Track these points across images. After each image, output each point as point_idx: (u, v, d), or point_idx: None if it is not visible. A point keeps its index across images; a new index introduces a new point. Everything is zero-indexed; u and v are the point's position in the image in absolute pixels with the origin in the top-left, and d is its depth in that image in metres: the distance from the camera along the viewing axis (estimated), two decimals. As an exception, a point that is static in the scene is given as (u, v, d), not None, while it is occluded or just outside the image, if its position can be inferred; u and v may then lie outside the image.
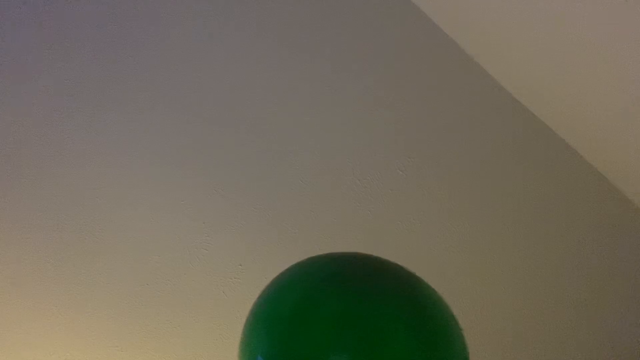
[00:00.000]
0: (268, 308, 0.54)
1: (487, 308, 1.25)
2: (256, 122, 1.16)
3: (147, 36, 1.12)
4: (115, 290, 1.15)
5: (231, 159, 1.16)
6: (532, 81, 1.14)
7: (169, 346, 1.18)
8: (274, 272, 0.61)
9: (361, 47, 1.17)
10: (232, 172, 1.16)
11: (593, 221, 1.25)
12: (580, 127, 1.17)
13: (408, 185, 1.20)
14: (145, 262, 1.15)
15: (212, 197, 1.16)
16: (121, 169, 1.13)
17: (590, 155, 1.22)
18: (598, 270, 1.27)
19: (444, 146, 1.21)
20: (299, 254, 0.64)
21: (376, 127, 1.19)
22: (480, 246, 1.24)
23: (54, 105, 1.10)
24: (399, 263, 0.59)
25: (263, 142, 1.17)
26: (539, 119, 1.22)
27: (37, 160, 1.10)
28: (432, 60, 1.19)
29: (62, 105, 1.10)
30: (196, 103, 1.14)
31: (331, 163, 1.18)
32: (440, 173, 1.21)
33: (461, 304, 1.22)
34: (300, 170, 1.18)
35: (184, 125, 1.14)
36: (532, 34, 0.98)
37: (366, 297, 0.51)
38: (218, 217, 1.16)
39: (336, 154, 1.18)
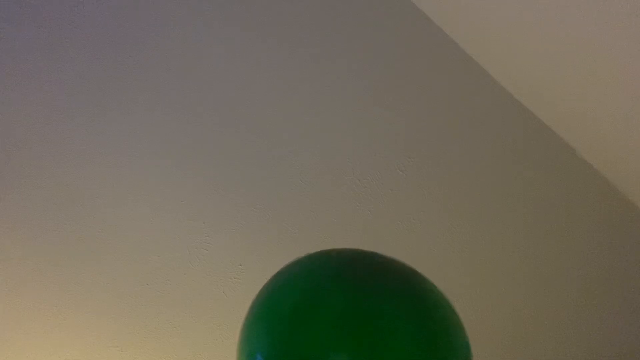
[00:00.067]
0: (268, 305, 0.53)
1: (487, 308, 1.25)
2: (256, 122, 1.16)
3: (147, 36, 1.12)
4: (115, 290, 1.15)
5: (231, 159, 1.16)
6: (532, 81, 1.14)
7: (169, 346, 1.18)
8: (274, 272, 0.61)
9: (361, 47, 1.17)
10: (232, 172, 1.16)
11: (593, 221, 1.25)
12: (580, 127, 1.17)
13: (408, 185, 1.20)
14: (145, 262, 1.15)
15: (212, 197, 1.16)
16: (121, 169, 1.13)
17: (590, 155, 1.22)
18: (598, 270, 1.27)
19: (444, 146, 1.21)
20: (299, 254, 0.63)
21: (376, 127, 1.19)
22: (480, 246, 1.24)
23: (54, 105, 1.10)
24: (400, 262, 0.58)
25: (263, 142, 1.17)
26: (539, 119, 1.22)
27: (37, 160, 1.10)
28: (432, 60, 1.19)
29: (62, 105, 1.10)
30: (196, 103, 1.14)
31: (331, 163, 1.18)
32: (440, 173, 1.21)
33: (461, 304, 1.22)
34: (300, 170, 1.18)
35: (184, 126, 1.14)
36: (532, 34, 0.98)
37: (369, 295, 0.50)
38: (218, 217, 1.16)
39: (336, 154, 1.18)
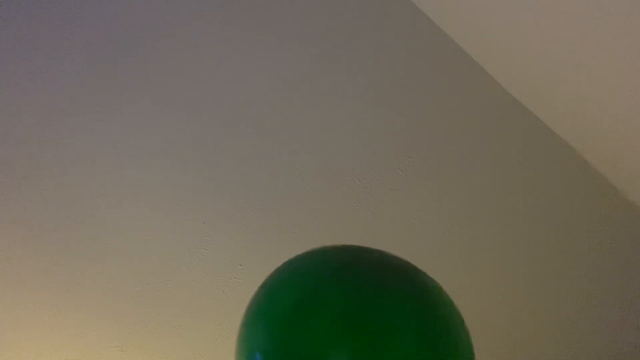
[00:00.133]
0: (267, 303, 0.52)
1: (487, 308, 1.25)
2: (256, 123, 1.16)
3: (148, 36, 1.12)
4: (115, 290, 1.15)
5: (231, 159, 1.16)
6: (532, 81, 1.14)
7: (169, 346, 1.18)
8: (274, 272, 0.61)
9: (361, 47, 1.17)
10: (232, 172, 1.16)
11: (593, 221, 1.25)
12: (580, 127, 1.17)
13: (408, 185, 1.20)
14: (145, 262, 1.15)
15: (212, 197, 1.16)
16: (121, 169, 1.13)
17: (590, 155, 1.22)
18: (598, 270, 1.27)
19: (443, 146, 1.21)
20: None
21: (376, 127, 1.19)
22: (480, 246, 1.24)
23: (54, 105, 1.10)
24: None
25: (263, 143, 1.17)
26: (539, 119, 1.22)
27: (38, 160, 1.10)
28: (432, 61, 1.19)
29: (62, 105, 1.10)
30: (196, 103, 1.14)
31: (331, 163, 1.18)
32: (440, 173, 1.21)
33: (461, 304, 1.22)
34: (300, 170, 1.18)
35: (184, 126, 1.14)
36: (532, 34, 0.98)
37: (370, 293, 0.49)
38: (218, 217, 1.16)
39: (336, 154, 1.18)
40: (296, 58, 1.16)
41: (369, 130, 1.19)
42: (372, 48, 1.18)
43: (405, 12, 1.17)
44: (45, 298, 1.13)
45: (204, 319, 1.18)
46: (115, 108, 1.12)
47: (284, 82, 1.16)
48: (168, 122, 1.13)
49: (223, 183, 1.16)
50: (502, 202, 1.23)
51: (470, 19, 1.11)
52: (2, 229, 1.10)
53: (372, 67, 1.18)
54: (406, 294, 0.50)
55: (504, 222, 1.24)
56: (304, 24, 1.16)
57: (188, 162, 1.15)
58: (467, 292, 1.23)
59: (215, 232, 1.16)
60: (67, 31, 1.09)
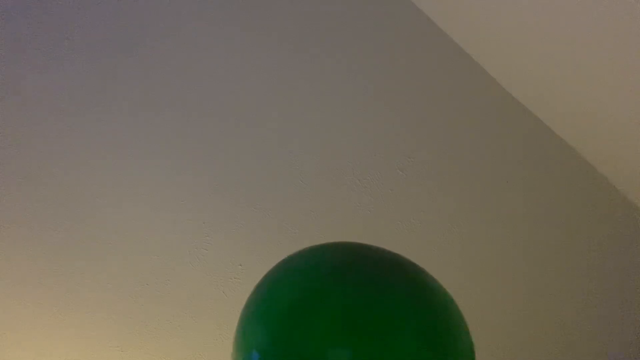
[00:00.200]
0: (266, 301, 0.51)
1: (487, 308, 1.25)
2: (256, 123, 1.16)
3: (147, 36, 1.12)
4: (115, 290, 1.15)
5: (231, 159, 1.16)
6: (532, 81, 1.14)
7: (169, 346, 1.18)
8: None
9: (361, 47, 1.17)
10: (232, 172, 1.16)
11: (593, 221, 1.25)
12: (580, 127, 1.17)
13: (408, 185, 1.20)
14: (145, 262, 1.15)
15: (212, 197, 1.16)
16: (121, 169, 1.13)
17: (590, 156, 1.22)
18: (598, 269, 1.27)
19: (443, 146, 1.21)
20: (299, 254, 0.63)
21: (376, 127, 1.19)
22: (480, 246, 1.24)
23: (54, 105, 1.10)
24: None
25: (263, 142, 1.17)
26: (539, 119, 1.22)
27: (38, 160, 1.10)
28: (432, 61, 1.19)
29: (62, 106, 1.10)
30: (196, 103, 1.14)
31: (331, 163, 1.18)
32: (440, 173, 1.21)
33: (461, 304, 1.22)
34: (300, 170, 1.18)
35: (184, 126, 1.14)
36: (533, 34, 0.98)
37: (371, 291, 0.48)
38: (218, 217, 1.16)
39: (336, 154, 1.18)
40: (296, 58, 1.16)
41: (369, 130, 1.19)
42: (372, 48, 1.18)
43: (405, 12, 1.17)
44: (45, 298, 1.13)
45: (204, 319, 1.18)
46: (115, 108, 1.12)
47: (284, 82, 1.16)
48: (168, 122, 1.13)
49: (223, 183, 1.16)
50: (502, 202, 1.23)
51: (470, 19, 1.11)
52: (2, 229, 1.10)
53: (372, 67, 1.18)
54: (407, 293, 0.50)
55: (503, 222, 1.24)
56: (304, 24, 1.16)
57: (188, 162, 1.15)
58: (467, 292, 1.23)
59: (215, 232, 1.16)
60: (67, 31, 1.09)
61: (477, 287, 1.24)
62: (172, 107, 1.13)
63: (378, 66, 1.18)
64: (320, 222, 1.19)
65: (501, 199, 1.23)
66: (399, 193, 1.20)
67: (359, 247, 0.56)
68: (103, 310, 1.15)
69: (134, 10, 1.11)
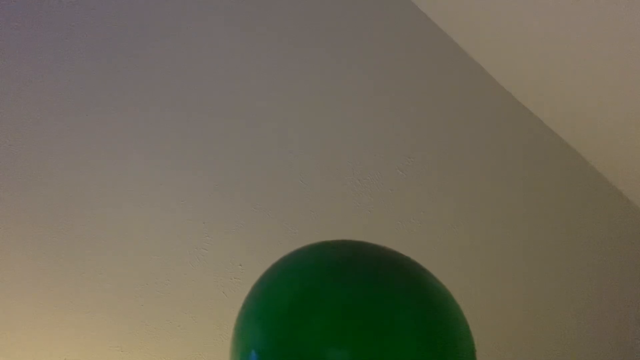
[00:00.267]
0: (264, 299, 0.50)
1: (487, 308, 1.25)
2: (256, 122, 1.16)
3: (147, 36, 1.12)
4: (115, 290, 1.15)
5: (231, 159, 1.16)
6: (532, 81, 1.14)
7: (169, 346, 1.18)
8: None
9: (361, 47, 1.18)
10: (232, 172, 1.16)
11: (593, 221, 1.25)
12: (580, 127, 1.17)
13: (408, 185, 1.20)
14: (145, 262, 1.15)
15: (212, 197, 1.16)
16: (121, 169, 1.13)
17: (590, 156, 1.22)
18: (598, 269, 1.27)
19: (444, 146, 1.21)
20: (298, 254, 0.63)
21: (376, 127, 1.19)
22: (480, 246, 1.24)
23: (54, 105, 1.10)
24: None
25: (263, 142, 1.17)
26: (539, 119, 1.22)
27: (38, 160, 1.10)
28: (432, 61, 1.19)
29: (62, 105, 1.10)
30: (196, 103, 1.14)
31: (331, 163, 1.18)
32: (441, 173, 1.21)
33: (461, 304, 1.22)
34: (300, 170, 1.18)
35: (184, 126, 1.14)
36: (533, 34, 0.98)
37: (371, 290, 0.47)
38: (218, 217, 1.16)
39: (336, 154, 1.18)
40: (296, 58, 1.16)
41: (369, 130, 1.19)
42: (371, 48, 1.18)
43: (405, 12, 1.17)
44: (45, 298, 1.13)
45: (204, 319, 1.18)
46: (115, 108, 1.12)
47: (284, 82, 1.16)
48: (168, 122, 1.13)
49: (223, 183, 1.16)
50: (502, 202, 1.23)
51: (470, 19, 1.11)
52: (2, 228, 1.10)
53: (372, 67, 1.18)
54: (407, 292, 0.49)
55: (503, 222, 1.24)
56: (304, 24, 1.16)
57: (188, 162, 1.15)
58: (467, 292, 1.23)
59: (215, 232, 1.16)
60: (67, 31, 1.09)
61: (477, 287, 1.24)
62: (172, 107, 1.13)
63: (378, 66, 1.18)
64: (320, 222, 1.19)
65: (501, 199, 1.23)
66: (399, 193, 1.20)
67: (358, 245, 0.55)
68: (103, 310, 1.15)
69: (134, 10, 1.11)
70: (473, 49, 1.18)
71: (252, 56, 1.15)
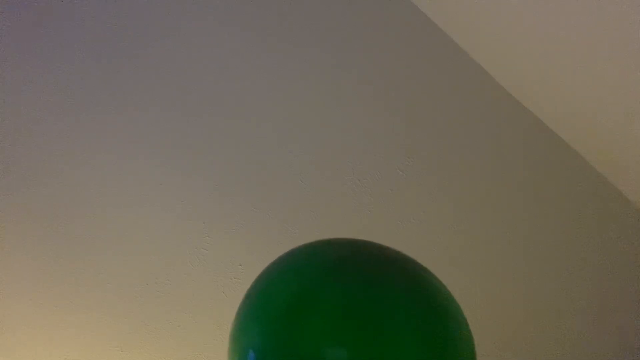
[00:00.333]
0: (262, 298, 0.50)
1: (487, 308, 1.25)
2: (256, 122, 1.16)
3: (148, 36, 1.12)
4: (115, 290, 1.15)
5: (231, 159, 1.16)
6: (532, 81, 1.14)
7: (169, 346, 1.18)
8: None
9: (361, 48, 1.17)
10: (232, 172, 1.16)
11: (593, 221, 1.25)
12: (580, 127, 1.16)
13: (408, 185, 1.20)
14: (145, 262, 1.15)
15: (212, 197, 1.16)
16: (121, 169, 1.13)
17: (590, 155, 1.22)
18: (598, 270, 1.26)
19: (443, 146, 1.21)
20: (298, 254, 0.63)
21: (376, 127, 1.19)
22: (480, 246, 1.24)
23: (53, 105, 1.10)
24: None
25: (263, 142, 1.17)
26: (539, 119, 1.22)
27: (38, 160, 1.10)
28: (432, 61, 1.19)
29: (62, 105, 1.10)
30: (196, 103, 1.14)
31: (331, 163, 1.18)
32: (440, 173, 1.21)
33: (461, 303, 1.22)
34: (300, 170, 1.18)
35: (184, 126, 1.14)
36: (533, 34, 0.98)
37: (370, 289, 0.47)
38: (218, 217, 1.16)
39: (336, 154, 1.18)
40: (295, 58, 1.16)
41: (369, 130, 1.19)
42: (371, 48, 1.18)
43: (405, 12, 1.17)
44: (45, 298, 1.13)
45: (204, 319, 1.18)
46: (115, 108, 1.12)
47: (284, 82, 1.16)
48: (168, 122, 1.13)
49: (223, 183, 1.16)
50: (502, 202, 1.23)
51: (470, 19, 1.11)
52: (3, 228, 1.10)
53: (372, 67, 1.18)
54: (407, 291, 0.49)
55: (503, 222, 1.24)
56: (304, 24, 1.16)
57: (188, 162, 1.15)
58: (467, 291, 1.23)
59: (215, 232, 1.16)
60: (67, 31, 1.09)
61: (477, 287, 1.24)
62: (172, 107, 1.13)
63: (378, 66, 1.18)
64: (320, 222, 1.19)
65: (501, 199, 1.23)
66: (399, 193, 1.20)
67: (356, 244, 0.55)
68: (103, 310, 1.15)
69: (134, 10, 1.11)
70: (473, 49, 1.18)
71: (252, 56, 1.15)
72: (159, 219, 1.15)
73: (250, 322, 0.49)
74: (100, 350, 1.15)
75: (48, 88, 1.09)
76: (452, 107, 1.20)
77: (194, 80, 1.14)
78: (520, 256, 1.25)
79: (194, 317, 1.18)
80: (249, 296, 0.53)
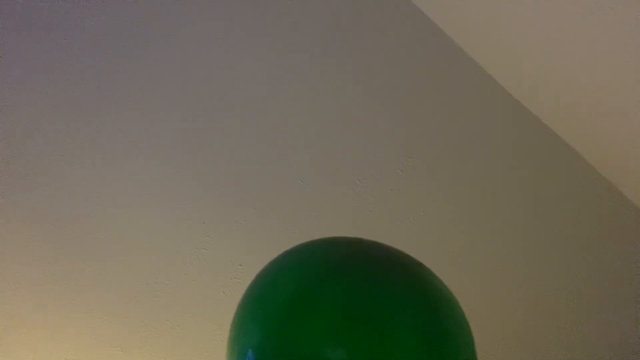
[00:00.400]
0: (261, 298, 0.49)
1: (488, 308, 1.25)
2: (256, 122, 1.16)
3: (146, 37, 1.12)
4: (115, 290, 1.15)
5: (231, 159, 1.16)
6: (532, 81, 1.14)
7: (169, 346, 1.18)
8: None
9: (361, 48, 1.18)
10: (232, 172, 1.16)
11: (592, 221, 1.25)
12: (580, 127, 1.17)
13: (408, 185, 1.20)
14: (145, 262, 1.15)
15: (212, 197, 1.16)
16: (121, 169, 1.13)
17: (590, 156, 1.22)
18: (598, 270, 1.26)
19: (443, 146, 1.21)
20: (298, 254, 0.63)
21: (376, 127, 1.19)
22: (480, 246, 1.24)
23: (53, 105, 1.10)
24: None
25: (263, 142, 1.17)
26: (539, 119, 1.22)
27: (37, 161, 1.10)
28: (431, 61, 1.19)
29: (61, 105, 1.10)
30: (197, 103, 1.14)
31: (331, 163, 1.18)
32: (440, 173, 1.21)
33: (461, 304, 1.22)
34: (300, 170, 1.18)
35: (184, 126, 1.14)
36: (532, 34, 0.98)
37: (371, 288, 0.47)
38: (218, 217, 1.16)
39: (336, 154, 1.18)
40: (296, 58, 1.16)
41: (369, 130, 1.19)
42: (371, 48, 1.18)
43: (405, 12, 1.17)
44: (46, 298, 1.13)
45: (204, 319, 1.18)
46: (115, 108, 1.12)
47: (284, 82, 1.16)
48: (168, 122, 1.13)
49: (223, 183, 1.16)
50: (502, 203, 1.23)
51: (470, 19, 1.11)
52: (3, 229, 1.10)
53: (372, 67, 1.18)
54: (407, 291, 0.48)
55: (504, 222, 1.24)
56: (303, 24, 1.16)
57: (188, 162, 1.15)
58: (467, 291, 1.23)
59: (215, 232, 1.16)
60: (66, 32, 1.09)
61: (477, 287, 1.24)
62: (172, 107, 1.13)
63: (378, 66, 1.18)
64: (320, 222, 1.19)
65: (501, 199, 1.23)
66: (399, 193, 1.20)
67: (356, 242, 0.54)
68: (103, 311, 1.15)
69: (135, 10, 1.11)
70: (473, 49, 1.18)
71: (252, 57, 1.15)
72: (159, 219, 1.15)
73: (250, 321, 0.49)
74: (100, 350, 1.15)
75: (48, 88, 1.09)
76: (452, 107, 1.20)
77: (194, 81, 1.14)
78: (520, 256, 1.25)
79: (194, 317, 1.18)
80: (248, 295, 0.52)
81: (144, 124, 1.13)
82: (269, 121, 1.16)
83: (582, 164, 1.24)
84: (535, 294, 1.26)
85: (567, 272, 1.26)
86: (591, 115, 1.08)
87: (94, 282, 1.14)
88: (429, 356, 0.46)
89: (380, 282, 0.48)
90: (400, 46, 1.18)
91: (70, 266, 1.13)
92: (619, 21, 0.76)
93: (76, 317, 1.14)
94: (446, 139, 1.21)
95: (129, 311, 1.16)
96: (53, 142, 1.10)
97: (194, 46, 1.13)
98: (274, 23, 1.15)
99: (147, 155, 1.13)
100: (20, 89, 1.09)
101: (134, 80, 1.12)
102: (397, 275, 0.50)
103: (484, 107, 1.21)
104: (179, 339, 1.18)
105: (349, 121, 1.18)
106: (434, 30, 1.18)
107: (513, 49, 1.08)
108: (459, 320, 0.51)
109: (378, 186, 1.20)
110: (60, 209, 1.11)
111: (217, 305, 1.18)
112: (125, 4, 1.11)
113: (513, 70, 1.16)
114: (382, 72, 1.18)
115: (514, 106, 1.21)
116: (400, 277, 0.50)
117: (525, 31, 0.99)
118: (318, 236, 1.20)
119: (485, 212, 1.23)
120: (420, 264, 0.53)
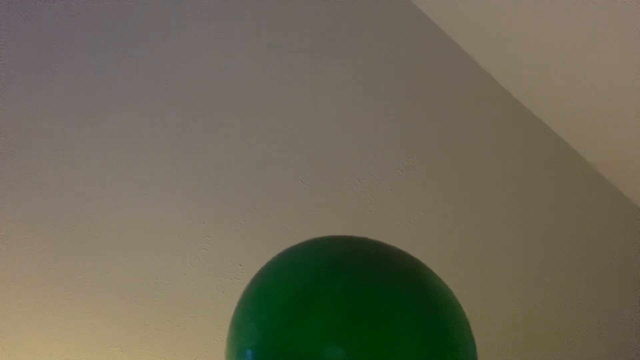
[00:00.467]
0: (260, 297, 0.49)
1: (488, 308, 1.25)
2: (256, 123, 1.16)
3: (146, 39, 1.12)
4: (115, 290, 1.15)
5: (231, 159, 1.16)
6: (533, 82, 1.14)
7: (169, 346, 1.17)
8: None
9: (361, 48, 1.18)
10: (232, 172, 1.16)
11: (592, 221, 1.25)
12: (580, 127, 1.17)
13: (408, 185, 1.20)
14: (145, 262, 1.15)
15: (211, 197, 1.16)
16: (121, 169, 1.13)
17: (590, 155, 1.22)
18: (598, 270, 1.26)
19: (444, 146, 1.21)
20: (298, 254, 0.63)
21: (376, 127, 1.19)
22: (480, 246, 1.24)
23: (53, 105, 1.10)
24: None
25: (263, 142, 1.17)
26: (539, 119, 1.22)
27: (37, 161, 1.10)
28: (432, 61, 1.19)
29: (61, 105, 1.10)
30: (197, 103, 1.14)
31: (331, 163, 1.18)
32: (441, 173, 1.21)
33: (461, 304, 1.22)
34: (300, 170, 1.18)
35: (184, 126, 1.14)
36: (533, 34, 0.98)
37: (370, 287, 0.46)
38: (218, 217, 1.16)
39: (336, 154, 1.18)
40: (296, 58, 1.16)
41: (369, 130, 1.19)
42: (371, 48, 1.18)
43: (405, 12, 1.17)
44: (46, 298, 1.13)
45: (204, 319, 1.18)
46: (115, 109, 1.12)
47: (284, 82, 1.16)
48: (168, 123, 1.13)
49: (223, 183, 1.16)
50: (501, 202, 1.23)
51: (470, 19, 1.11)
52: (3, 229, 1.10)
53: (372, 67, 1.18)
54: (408, 288, 0.48)
55: (503, 222, 1.24)
56: (303, 24, 1.16)
57: (188, 163, 1.15)
58: (466, 291, 1.23)
59: (215, 232, 1.16)
60: (66, 32, 1.09)
61: (477, 287, 1.24)
62: (172, 108, 1.13)
63: (378, 66, 1.18)
64: (321, 223, 1.19)
65: (501, 199, 1.23)
66: (399, 193, 1.20)
67: (356, 241, 0.54)
68: (103, 311, 1.15)
69: (135, 11, 1.11)
70: (473, 48, 1.18)
71: (251, 57, 1.15)
72: (159, 219, 1.15)
73: (249, 321, 0.49)
74: (100, 350, 1.15)
75: (47, 90, 1.09)
76: (452, 107, 1.20)
77: (193, 82, 1.14)
78: (520, 256, 1.25)
79: (194, 317, 1.18)
80: (247, 295, 0.52)
81: (144, 124, 1.13)
82: (268, 121, 1.16)
83: (582, 164, 1.24)
84: (535, 293, 1.26)
85: (566, 272, 1.26)
86: (591, 115, 1.08)
87: (94, 282, 1.14)
88: (429, 356, 0.45)
89: (379, 282, 0.48)
90: (401, 46, 1.18)
91: (70, 266, 1.13)
92: (619, 21, 0.76)
93: (76, 317, 1.14)
94: (446, 139, 1.21)
95: (129, 311, 1.16)
96: (53, 142, 1.10)
97: (194, 46, 1.13)
98: (274, 23, 1.15)
99: (147, 155, 1.13)
100: (20, 89, 1.09)
101: (134, 81, 1.12)
102: (396, 274, 0.49)
103: (484, 107, 1.21)
104: (179, 339, 1.18)
105: (349, 121, 1.18)
106: (434, 30, 1.18)
107: (513, 49, 1.08)
108: (459, 320, 0.50)
109: (378, 186, 1.20)
110: (60, 209, 1.11)
111: (217, 305, 1.18)
112: (126, 4, 1.11)
113: (513, 70, 1.16)
114: (382, 72, 1.18)
115: (514, 106, 1.21)
116: (400, 276, 0.49)
117: (525, 31, 0.99)
118: (318, 236, 1.20)
119: (485, 212, 1.23)
120: (420, 264, 0.53)
